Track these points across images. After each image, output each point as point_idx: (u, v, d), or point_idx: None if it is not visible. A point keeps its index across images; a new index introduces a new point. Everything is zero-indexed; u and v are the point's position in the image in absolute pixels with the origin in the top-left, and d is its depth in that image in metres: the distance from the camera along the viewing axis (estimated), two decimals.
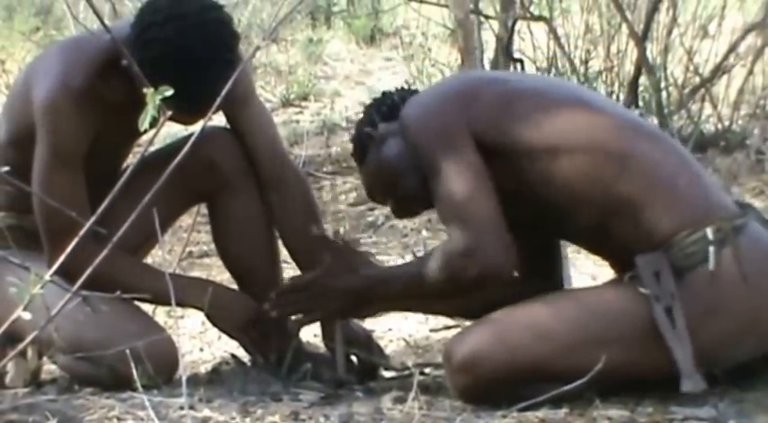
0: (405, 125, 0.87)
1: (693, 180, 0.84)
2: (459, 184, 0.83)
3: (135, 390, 0.83)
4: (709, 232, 0.80)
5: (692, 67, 2.05)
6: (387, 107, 0.93)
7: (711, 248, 0.80)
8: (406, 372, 0.97)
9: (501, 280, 0.84)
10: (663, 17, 2.07)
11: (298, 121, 2.64)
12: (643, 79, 2.02)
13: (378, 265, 0.94)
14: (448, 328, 1.04)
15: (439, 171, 0.84)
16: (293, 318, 0.94)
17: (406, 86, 0.99)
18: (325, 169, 2.14)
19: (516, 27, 2.09)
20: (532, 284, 0.91)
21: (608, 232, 0.84)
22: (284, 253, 1.03)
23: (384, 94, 0.96)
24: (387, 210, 1.87)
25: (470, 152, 0.84)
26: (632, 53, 2.07)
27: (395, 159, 0.91)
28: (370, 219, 1.84)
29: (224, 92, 0.61)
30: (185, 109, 0.78)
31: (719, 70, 2.03)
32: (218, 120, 1.00)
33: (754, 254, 0.81)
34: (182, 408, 0.81)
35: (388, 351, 1.08)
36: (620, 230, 0.83)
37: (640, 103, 1.99)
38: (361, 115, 0.96)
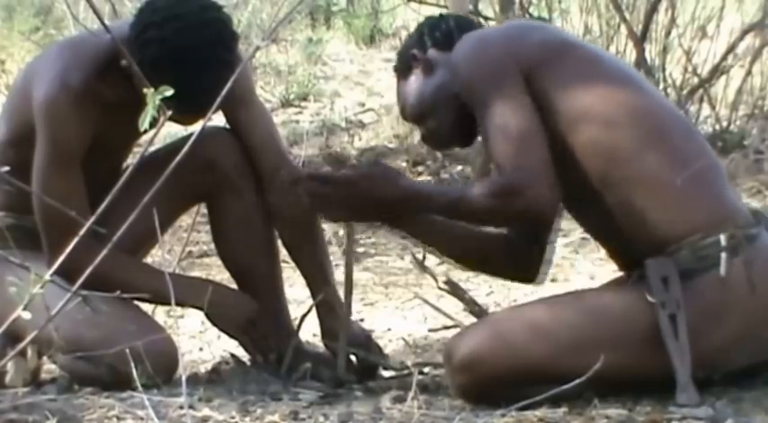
0: (457, 63, 0.86)
1: (716, 182, 0.84)
2: (515, 121, 0.81)
3: (135, 389, 0.83)
4: (723, 239, 0.80)
5: (690, 68, 2.05)
6: (441, 33, 0.91)
7: (724, 255, 0.79)
8: (406, 371, 0.97)
9: (542, 220, 0.84)
10: (661, 18, 2.07)
11: (297, 122, 2.64)
12: None
13: (407, 178, 0.90)
14: (447, 327, 1.04)
15: (493, 108, 0.82)
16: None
17: (462, 15, 0.99)
18: (324, 169, 2.14)
19: None
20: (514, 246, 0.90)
21: (619, 217, 0.82)
22: (284, 253, 1.03)
23: (441, 16, 0.94)
24: None
25: (523, 94, 0.83)
26: (631, 54, 2.07)
27: (437, 92, 0.90)
28: None
29: (224, 92, 0.61)
30: (185, 109, 0.78)
31: (718, 71, 2.04)
32: (218, 120, 1.00)
33: (764, 265, 0.81)
34: (181, 407, 0.81)
35: (387, 350, 1.08)
36: (632, 217, 0.82)
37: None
38: (414, 32, 0.94)
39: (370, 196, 0.86)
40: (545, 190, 0.81)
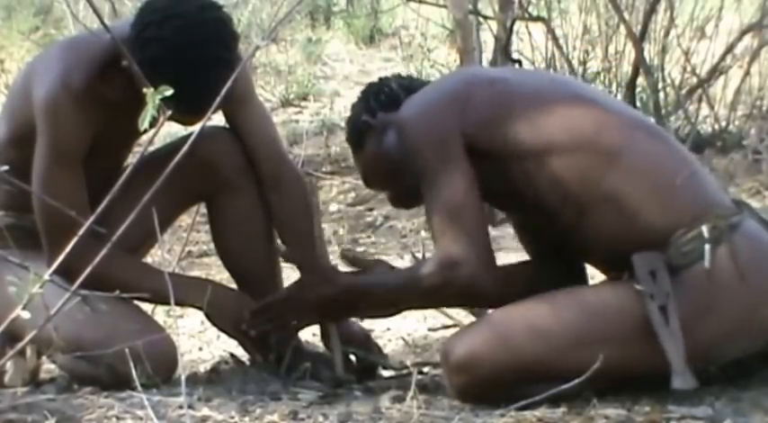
0: (402, 128, 0.88)
1: (690, 177, 0.84)
2: (449, 196, 0.83)
3: (134, 389, 0.82)
4: (705, 230, 0.80)
5: (689, 68, 2.06)
6: (385, 95, 0.93)
7: (707, 246, 0.80)
8: (405, 371, 0.97)
9: (482, 294, 0.85)
10: (660, 18, 2.08)
11: (297, 121, 2.64)
12: (641, 80, 2.03)
13: (352, 275, 0.91)
14: (446, 327, 1.04)
15: (431, 181, 0.84)
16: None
17: (403, 73, 0.99)
18: (324, 169, 2.14)
19: (515, 28, 2.09)
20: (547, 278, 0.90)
21: (597, 233, 0.84)
22: None
23: (381, 80, 0.95)
24: (386, 210, 1.88)
25: (463, 162, 0.84)
26: (630, 54, 2.08)
27: (394, 153, 0.91)
28: (368, 219, 1.84)
29: (223, 92, 0.61)
30: (185, 109, 0.78)
31: (716, 71, 2.04)
32: (218, 119, 1.00)
33: (750, 251, 0.81)
34: (181, 407, 0.81)
35: (386, 350, 1.08)
36: (611, 230, 0.83)
37: (638, 104, 2.00)
38: (358, 100, 0.95)
39: (315, 301, 0.90)
40: (478, 269, 0.83)
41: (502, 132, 0.85)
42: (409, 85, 0.93)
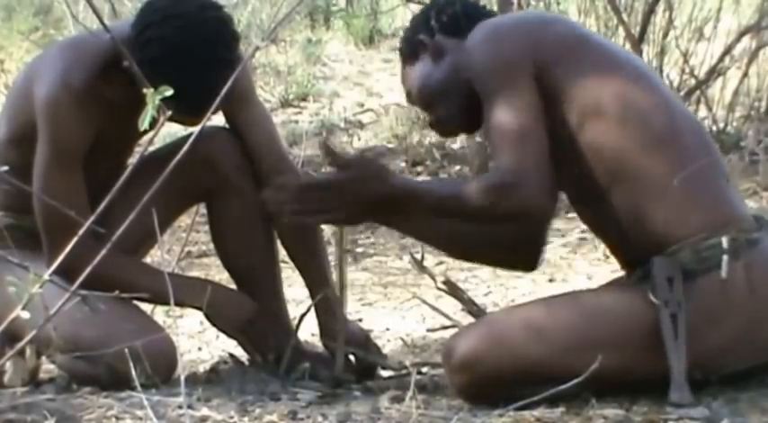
0: (470, 52, 0.84)
1: (721, 184, 0.84)
2: (517, 118, 0.80)
3: (133, 389, 0.82)
4: (725, 241, 0.80)
5: (687, 69, 2.06)
6: (448, 18, 0.90)
7: (725, 257, 0.79)
8: (404, 371, 0.97)
9: (535, 220, 0.83)
10: (659, 19, 2.08)
11: (296, 122, 2.64)
12: None
13: (396, 175, 0.86)
14: (445, 327, 1.05)
15: (499, 104, 0.81)
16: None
17: None
18: (323, 170, 2.15)
19: None
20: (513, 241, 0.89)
21: (623, 214, 0.82)
22: (283, 253, 1.03)
23: (447, 1, 0.91)
24: None
25: (532, 92, 0.82)
26: None
27: (446, 80, 0.88)
28: None
29: (224, 91, 0.61)
30: (185, 108, 0.78)
31: (715, 72, 2.05)
32: (218, 120, 1.00)
33: (764, 269, 0.81)
34: (180, 407, 0.81)
35: (385, 350, 1.08)
36: (633, 213, 0.81)
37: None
38: (419, 13, 0.92)
39: (361, 197, 0.84)
40: (538, 192, 0.80)
41: (565, 77, 0.82)
42: (473, 12, 0.90)
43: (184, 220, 1.30)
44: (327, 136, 0.81)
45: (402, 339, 1.16)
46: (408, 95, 0.94)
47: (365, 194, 0.84)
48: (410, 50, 0.92)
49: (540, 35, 0.85)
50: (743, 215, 0.85)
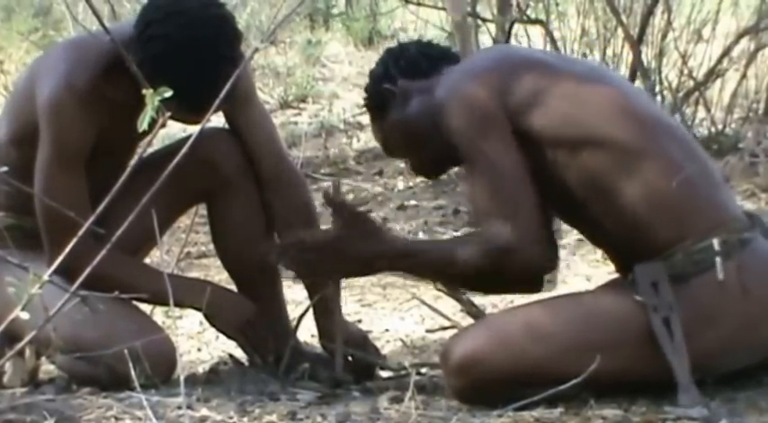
0: (442, 107, 0.84)
1: (708, 186, 0.84)
2: (503, 177, 0.81)
3: (133, 389, 0.83)
4: (716, 243, 0.80)
5: (686, 71, 2.05)
6: (405, 61, 0.90)
7: (718, 259, 0.80)
8: (403, 372, 0.97)
9: (536, 278, 0.83)
10: (658, 21, 2.08)
11: (296, 123, 2.64)
12: (638, 82, 2.04)
13: (391, 235, 0.88)
14: (444, 328, 1.05)
15: (478, 160, 0.82)
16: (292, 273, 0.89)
17: (423, 39, 0.96)
18: (322, 171, 2.15)
19: (513, 30, 2.10)
20: None
21: (614, 227, 0.83)
22: None
23: (401, 46, 0.93)
24: (383, 212, 1.88)
25: (511, 143, 0.82)
26: (627, 57, 2.08)
27: (420, 121, 0.88)
28: None
29: (225, 90, 0.61)
30: (187, 106, 0.78)
31: (713, 74, 2.05)
32: (218, 120, 1.00)
33: (757, 268, 0.81)
34: (179, 407, 0.81)
35: (384, 351, 1.08)
36: (626, 227, 0.82)
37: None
38: (377, 65, 0.93)
39: (356, 257, 0.85)
40: (540, 252, 0.81)
41: (541, 116, 0.83)
42: (429, 51, 0.91)
43: (184, 220, 1.30)
44: (337, 181, 0.81)
45: (401, 340, 1.17)
46: (385, 147, 0.95)
47: (360, 255, 0.85)
48: (377, 102, 0.92)
49: (508, 84, 0.84)
50: (734, 215, 0.84)
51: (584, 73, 0.89)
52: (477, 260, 0.82)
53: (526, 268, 0.82)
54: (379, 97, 0.92)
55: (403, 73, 0.91)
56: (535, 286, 0.88)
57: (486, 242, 0.82)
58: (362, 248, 0.85)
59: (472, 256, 0.82)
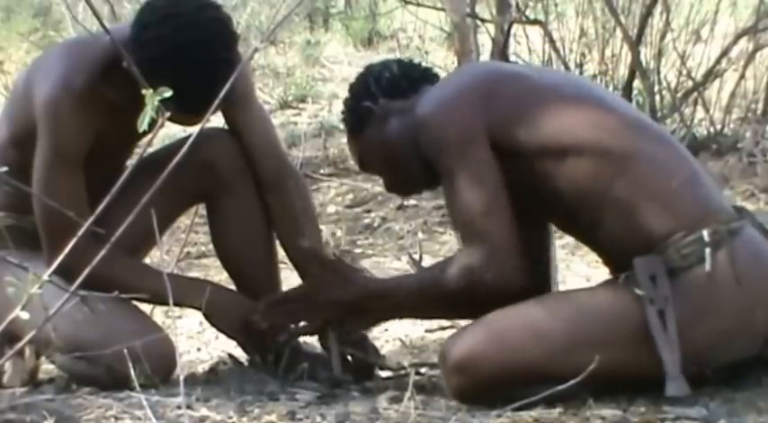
0: (422, 126, 0.85)
1: (692, 181, 0.85)
2: (479, 196, 0.82)
3: (132, 389, 0.83)
4: (706, 234, 0.81)
5: (684, 71, 2.07)
6: (386, 80, 0.91)
7: (707, 250, 0.80)
8: (402, 371, 0.97)
9: (511, 293, 0.84)
10: (656, 21, 2.09)
11: (295, 123, 2.65)
12: (637, 83, 2.04)
13: (370, 277, 0.92)
14: (443, 328, 1.05)
15: (456, 181, 0.83)
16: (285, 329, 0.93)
17: (404, 58, 0.96)
18: (322, 171, 2.15)
19: (512, 30, 2.09)
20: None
21: (606, 230, 0.84)
22: (282, 253, 1.03)
23: (383, 64, 0.93)
24: (383, 212, 1.89)
25: (489, 162, 0.83)
26: (626, 57, 2.09)
27: (398, 141, 0.89)
28: (366, 221, 1.84)
29: (223, 92, 0.61)
30: (185, 108, 0.78)
31: (712, 74, 2.06)
32: (217, 121, 1.00)
33: (748, 257, 0.82)
34: (179, 407, 0.81)
35: (384, 351, 1.08)
36: (617, 229, 0.84)
37: (634, 107, 2.01)
38: (356, 81, 0.94)
39: (332, 303, 0.88)
40: (512, 269, 0.83)
41: (524, 131, 0.84)
42: (410, 71, 0.91)
43: (183, 220, 1.30)
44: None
45: (400, 340, 1.17)
46: (361, 164, 0.96)
47: (336, 300, 0.88)
48: (356, 119, 0.93)
49: (490, 101, 0.85)
50: (721, 207, 0.85)
51: (565, 84, 0.91)
52: (454, 282, 0.84)
53: (502, 284, 0.83)
54: (357, 114, 0.93)
55: (383, 92, 0.91)
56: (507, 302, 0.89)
57: (464, 260, 0.84)
58: (336, 295, 0.88)
59: (449, 278, 0.84)
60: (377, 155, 0.92)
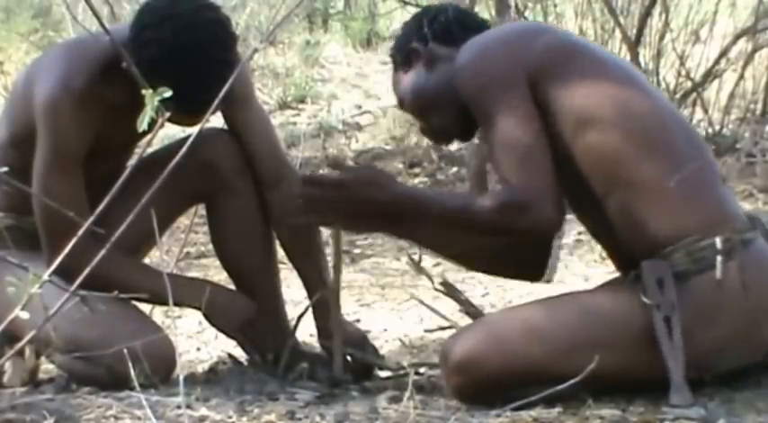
0: (460, 71, 0.84)
1: (713, 185, 0.84)
2: (520, 135, 0.81)
3: (132, 389, 0.83)
4: (718, 241, 0.81)
5: (683, 72, 2.09)
6: (440, 26, 0.90)
7: (719, 258, 0.80)
8: (402, 371, 0.97)
9: (546, 237, 0.84)
10: (655, 22, 2.10)
11: (294, 124, 2.65)
12: None
13: (406, 185, 0.87)
14: (443, 328, 1.05)
15: (497, 121, 0.81)
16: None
17: (457, 3, 0.97)
18: (321, 171, 2.15)
19: None
20: (518, 255, 0.90)
21: (617, 218, 0.83)
22: (281, 253, 1.03)
23: (440, 8, 0.92)
24: None
25: (529, 104, 0.82)
26: (625, 57, 2.09)
27: (438, 88, 0.89)
28: None
29: (222, 92, 0.61)
30: (184, 109, 0.78)
31: (711, 75, 2.07)
32: (217, 121, 1.00)
33: (758, 269, 0.82)
34: (179, 407, 0.81)
35: (383, 351, 1.08)
36: (629, 219, 0.82)
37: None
38: (411, 20, 0.92)
39: (361, 200, 0.84)
40: (549, 208, 0.81)
41: (557, 87, 0.82)
42: (465, 21, 0.90)
43: (183, 220, 1.30)
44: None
45: (400, 340, 1.17)
46: (401, 103, 0.94)
47: (370, 198, 0.84)
48: (403, 58, 0.92)
49: (528, 48, 0.85)
50: (737, 215, 0.85)
51: (606, 59, 0.88)
52: (490, 214, 0.81)
53: (540, 223, 0.81)
54: (406, 54, 0.91)
55: (435, 36, 0.90)
56: (541, 244, 0.87)
57: (504, 196, 0.82)
58: (371, 192, 0.83)
59: (490, 208, 0.81)
60: (416, 97, 0.90)
